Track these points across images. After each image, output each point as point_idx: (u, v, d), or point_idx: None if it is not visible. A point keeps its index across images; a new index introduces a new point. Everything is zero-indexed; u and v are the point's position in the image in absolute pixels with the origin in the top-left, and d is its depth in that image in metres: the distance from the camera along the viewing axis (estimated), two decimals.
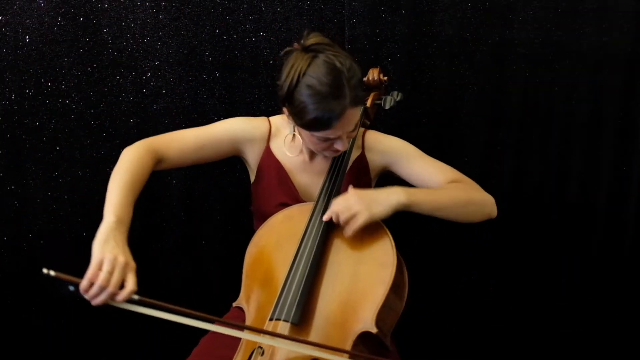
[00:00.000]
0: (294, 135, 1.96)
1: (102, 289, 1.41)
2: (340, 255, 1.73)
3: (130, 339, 2.68)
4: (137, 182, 1.75)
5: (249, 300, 1.76)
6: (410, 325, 1.92)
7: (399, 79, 2.60)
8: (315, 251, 1.70)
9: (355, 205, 1.71)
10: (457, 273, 2.75)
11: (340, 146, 1.79)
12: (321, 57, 1.71)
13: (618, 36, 2.68)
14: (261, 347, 1.62)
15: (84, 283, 1.41)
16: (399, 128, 2.62)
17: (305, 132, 1.80)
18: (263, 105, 2.58)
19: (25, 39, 2.43)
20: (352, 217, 1.70)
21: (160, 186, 2.60)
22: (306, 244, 1.72)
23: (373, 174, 2.04)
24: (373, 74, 2.19)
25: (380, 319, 1.61)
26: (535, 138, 2.74)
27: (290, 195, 1.96)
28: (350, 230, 1.71)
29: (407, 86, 2.63)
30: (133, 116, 2.54)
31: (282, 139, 2.00)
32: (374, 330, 1.59)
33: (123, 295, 1.43)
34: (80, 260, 2.56)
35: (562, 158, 2.76)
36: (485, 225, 2.68)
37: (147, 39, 2.51)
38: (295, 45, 1.80)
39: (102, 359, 2.68)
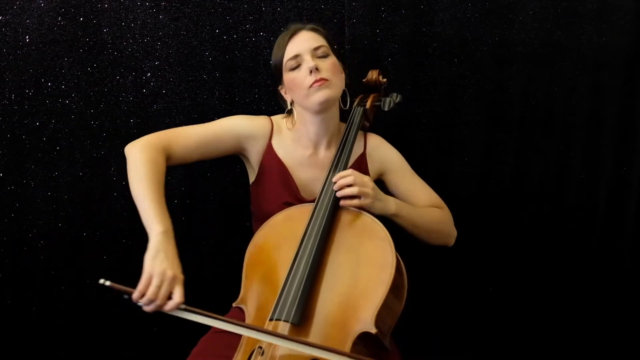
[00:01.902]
0: (292, 117, 2.07)
1: (151, 301, 1.54)
2: (340, 256, 1.73)
3: (131, 339, 2.67)
4: (161, 185, 1.79)
5: (249, 301, 1.76)
6: (410, 326, 1.92)
7: (399, 79, 2.60)
8: (315, 251, 1.71)
9: (370, 189, 1.85)
10: (456, 273, 2.75)
11: (308, 63, 1.92)
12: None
13: (618, 36, 2.68)
14: (261, 347, 1.63)
15: (135, 295, 1.54)
16: (399, 128, 2.63)
17: (287, 78, 1.98)
18: (263, 105, 2.58)
19: (25, 39, 2.43)
20: (361, 193, 1.82)
21: None
22: (306, 244, 1.73)
23: (371, 176, 2.07)
24: (372, 76, 2.21)
25: (379, 320, 1.62)
26: (535, 138, 2.74)
27: (292, 194, 2.00)
28: (348, 202, 1.82)
29: (407, 86, 2.63)
30: (133, 116, 2.54)
31: (284, 137, 2.06)
32: (374, 330, 1.59)
33: (170, 306, 1.55)
34: (80, 260, 2.59)
35: (562, 158, 2.76)
36: (485, 226, 2.70)
37: (147, 39, 2.51)
38: None
39: (102, 359, 2.67)
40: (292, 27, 2.00)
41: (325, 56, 1.96)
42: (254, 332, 1.56)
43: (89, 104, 2.51)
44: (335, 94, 1.97)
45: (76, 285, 2.60)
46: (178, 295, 1.55)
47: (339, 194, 1.83)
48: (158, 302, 1.54)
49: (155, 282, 1.54)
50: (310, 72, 1.91)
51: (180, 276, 1.59)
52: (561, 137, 2.75)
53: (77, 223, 2.58)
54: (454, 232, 2.12)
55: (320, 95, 1.92)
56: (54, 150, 2.51)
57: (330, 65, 1.94)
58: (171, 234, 1.67)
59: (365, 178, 1.87)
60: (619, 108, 2.73)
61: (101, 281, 1.49)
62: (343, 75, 2.03)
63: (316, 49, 1.95)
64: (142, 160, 1.81)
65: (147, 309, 1.57)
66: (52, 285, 2.59)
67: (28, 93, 2.46)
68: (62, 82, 2.48)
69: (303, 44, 1.94)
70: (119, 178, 2.55)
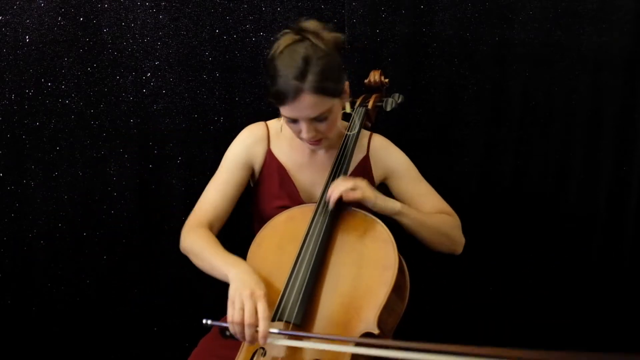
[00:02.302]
0: None
1: (242, 324, 1.54)
2: (342, 257, 1.73)
3: (131, 340, 2.68)
4: (222, 248, 1.80)
5: None
6: (411, 326, 1.92)
7: (399, 79, 2.60)
8: (317, 252, 1.70)
9: (366, 186, 1.81)
10: (456, 273, 2.75)
11: (304, 132, 1.82)
12: (303, 43, 1.75)
13: (618, 36, 2.69)
14: (263, 348, 1.63)
15: (231, 327, 1.56)
16: (399, 128, 2.63)
17: (283, 117, 1.86)
18: (263, 105, 2.58)
19: (25, 39, 2.43)
20: (356, 186, 1.79)
21: (160, 186, 2.60)
22: (308, 245, 1.73)
23: (375, 179, 2.06)
24: (374, 76, 2.20)
25: (382, 320, 1.61)
26: (535, 138, 2.75)
27: (292, 196, 1.98)
28: (352, 193, 1.78)
29: (407, 86, 2.63)
30: (133, 116, 2.54)
31: (282, 140, 2.03)
32: (376, 331, 1.59)
33: (262, 325, 1.52)
34: (80, 260, 2.59)
35: (562, 158, 2.77)
36: (485, 226, 2.70)
37: (147, 39, 2.51)
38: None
39: (102, 359, 2.67)
40: (292, 83, 1.71)
41: (324, 118, 1.81)
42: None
43: (89, 104, 2.51)
44: (329, 142, 1.94)
45: (76, 285, 2.61)
46: (261, 310, 1.54)
47: (344, 196, 1.79)
48: (247, 321, 1.53)
49: (237, 306, 1.54)
50: None
51: (259, 291, 1.57)
52: (561, 137, 2.75)
53: (77, 223, 2.58)
54: (461, 240, 2.04)
55: (312, 146, 1.91)
56: (54, 150, 2.51)
57: (328, 125, 1.84)
58: (250, 269, 1.65)
59: (357, 178, 1.84)
60: (619, 108, 2.74)
61: (205, 321, 1.54)
62: (344, 107, 1.96)
63: (316, 117, 1.80)
64: (193, 244, 1.84)
65: (248, 339, 1.55)
66: (52, 285, 2.59)
67: (28, 93, 2.46)
68: (62, 82, 2.48)
69: (303, 112, 1.76)
70: (119, 178, 2.56)
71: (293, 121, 1.82)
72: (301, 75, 1.70)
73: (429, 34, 2.64)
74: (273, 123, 2.07)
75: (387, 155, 2.08)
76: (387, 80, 2.23)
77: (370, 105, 2.12)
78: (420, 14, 2.62)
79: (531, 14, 2.65)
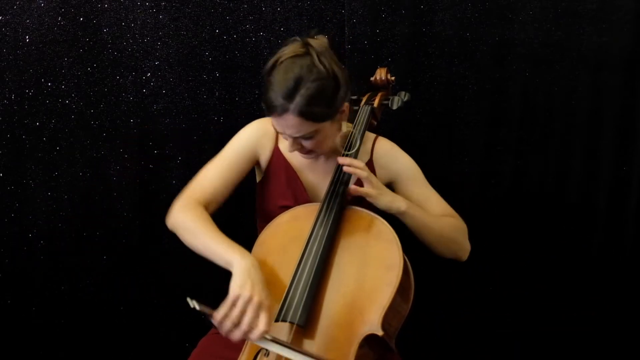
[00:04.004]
0: None
1: (235, 326, 1.52)
2: (346, 257, 1.72)
3: (131, 339, 2.68)
4: (219, 231, 1.76)
5: None
6: (412, 327, 1.92)
7: (399, 79, 2.59)
8: (321, 252, 1.69)
9: (375, 181, 1.82)
10: (456, 273, 2.75)
11: (288, 146, 1.83)
12: (304, 59, 1.73)
13: (618, 36, 2.69)
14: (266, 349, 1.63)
15: (217, 317, 1.52)
16: (399, 128, 2.63)
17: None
18: (263, 105, 2.57)
19: (25, 39, 2.43)
20: (368, 179, 1.80)
21: (160, 186, 2.60)
22: (312, 245, 1.72)
23: None
24: (380, 74, 2.18)
25: (386, 321, 1.61)
26: (535, 138, 2.75)
27: (299, 195, 1.96)
28: (354, 187, 1.80)
29: (407, 86, 2.62)
30: (133, 116, 2.54)
31: None
32: (380, 332, 1.58)
33: (255, 335, 1.52)
34: (80, 260, 2.58)
35: (562, 158, 2.77)
36: (485, 226, 2.70)
37: (147, 39, 2.51)
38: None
39: (102, 359, 2.67)
40: (280, 101, 1.70)
41: (310, 137, 1.79)
42: None
43: (89, 104, 2.51)
44: (323, 152, 1.93)
45: (76, 285, 2.61)
46: (263, 323, 1.52)
47: (346, 169, 1.81)
48: (243, 327, 1.51)
49: (239, 307, 1.52)
50: None
51: (267, 302, 1.56)
52: (561, 137, 2.76)
53: (77, 223, 2.58)
54: (467, 245, 1.99)
55: (304, 156, 1.93)
56: (54, 150, 2.51)
57: (314, 143, 1.82)
58: (256, 263, 1.64)
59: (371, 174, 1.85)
60: (619, 108, 2.75)
61: (190, 303, 1.46)
62: (340, 122, 1.91)
63: (300, 136, 1.79)
64: (187, 223, 1.80)
65: (233, 336, 1.53)
66: (52, 285, 2.59)
67: (28, 93, 2.46)
68: (62, 82, 2.48)
69: (286, 129, 1.77)
70: (119, 178, 2.56)
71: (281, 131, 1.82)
72: (289, 96, 1.69)
73: (429, 34, 2.64)
74: None
75: (392, 160, 2.04)
76: (393, 78, 2.20)
77: (376, 103, 2.09)
78: (420, 14, 2.62)
79: (531, 14, 2.65)
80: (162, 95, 2.55)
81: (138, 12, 2.49)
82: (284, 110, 1.70)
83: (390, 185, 2.01)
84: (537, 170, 2.77)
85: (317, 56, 1.73)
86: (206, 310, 1.50)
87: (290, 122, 1.72)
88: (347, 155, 1.90)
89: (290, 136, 1.78)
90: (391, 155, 2.05)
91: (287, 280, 1.68)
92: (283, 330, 1.62)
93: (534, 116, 2.73)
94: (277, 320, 1.61)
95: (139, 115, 2.55)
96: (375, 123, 2.12)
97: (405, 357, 1.88)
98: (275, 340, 1.53)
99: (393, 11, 2.61)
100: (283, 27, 2.56)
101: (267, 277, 1.74)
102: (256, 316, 1.53)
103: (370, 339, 1.61)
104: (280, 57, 1.75)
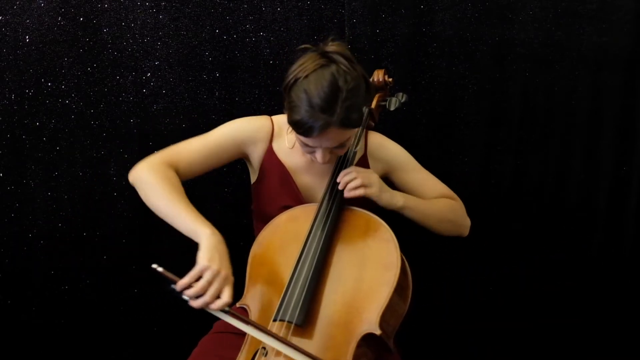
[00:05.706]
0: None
1: (199, 295, 1.53)
2: (344, 257, 1.73)
3: (131, 339, 2.68)
4: (186, 197, 1.74)
5: (252, 301, 1.76)
6: (412, 327, 1.92)
7: (399, 79, 2.60)
8: (319, 252, 1.70)
9: (374, 180, 1.83)
10: (456, 273, 2.76)
11: (319, 157, 1.79)
12: (330, 68, 1.69)
13: (618, 36, 2.70)
14: (264, 348, 1.63)
15: (182, 281, 1.52)
16: (399, 128, 2.63)
17: (295, 136, 1.81)
18: (263, 105, 2.58)
19: (25, 39, 2.43)
20: (365, 183, 1.79)
21: None
22: (310, 244, 1.72)
23: None
24: (378, 76, 2.18)
25: (384, 321, 1.61)
26: (535, 138, 2.75)
27: (293, 197, 1.95)
28: (353, 192, 1.79)
29: (407, 86, 2.63)
30: (133, 116, 2.54)
31: (285, 139, 1.99)
32: (378, 332, 1.59)
33: (217, 305, 1.53)
34: (80, 260, 2.58)
35: (562, 158, 2.77)
36: (485, 226, 2.70)
37: (147, 39, 2.51)
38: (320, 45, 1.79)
39: (102, 359, 2.67)
40: (320, 117, 1.65)
41: (343, 145, 1.79)
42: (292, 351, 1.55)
43: (89, 104, 2.51)
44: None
45: (76, 285, 2.61)
46: (227, 295, 1.54)
47: (345, 191, 1.80)
48: (207, 298, 1.51)
49: (206, 278, 1.52)
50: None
51: (232, 278, 1.58)
52: (561, 137, 2.76)
53: (77, 223, 2.58)
54: (467, 222, 2.05)
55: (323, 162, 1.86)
56: (54, 150, 2.51)
57: (344, 150, 1.83)
58: (220, 236, 1.63)
59: (369, 171, 1.86)
60: (619, 108, 2.75)
61: (154, 266, 1.48)
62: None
63: (336, 146, 1.77)
64: (155, 179, 1.75)
65: (194, 304, 1.53)
66: (52, 285, 2.59)
67: (28, 93, 2.46)
68: (62, 82, 2.48)
69: (324, 143, 1.73)
70: (119, 178, 2.55)
71: (306, 145, 1.78)
72: (328, 109, 1.65)
73: (429, 34, 2.64)
74: (278, 119, 2.01)
75: (384, 151, 2.06)
76: (391, 79, 2.20)
77: (373, 105, 2.10)
78: (420, 14, 2.62)
79: (531, 14, 2.66)
80: (162, 95, 2.55)
81: (138, 12, 2.49)
82: (326, 126, 1.66)
83: (386, 176, 2.04)
84: (537, 170, 2.77)
85: (343, 61, 1.71)
86: (170, 276, 1.51)
87: (332, 135, 1.70)
88: (346, 158, 1.92)
89: (326, 148, 1.76)
90: (383, 146, 2.07)
91: (285, 280, 1.68)
92: (281, 330, 1.62)
93: (534, 116, 2.73)
94: (275, 320, 1.62)
95: (139, 115, 2.55)
96: (373, 124, 2.13)
97: (405, 357, 1.88)
98: (233, 313, 1.55)
99: (393, 11, 2.61)
100: (283, 27, 2.56)
101: (266, 276, 1.75)
102: (221, 288, 1.54)
103: (368, 339, 1.62)
104: (299, 72, 1.71)
